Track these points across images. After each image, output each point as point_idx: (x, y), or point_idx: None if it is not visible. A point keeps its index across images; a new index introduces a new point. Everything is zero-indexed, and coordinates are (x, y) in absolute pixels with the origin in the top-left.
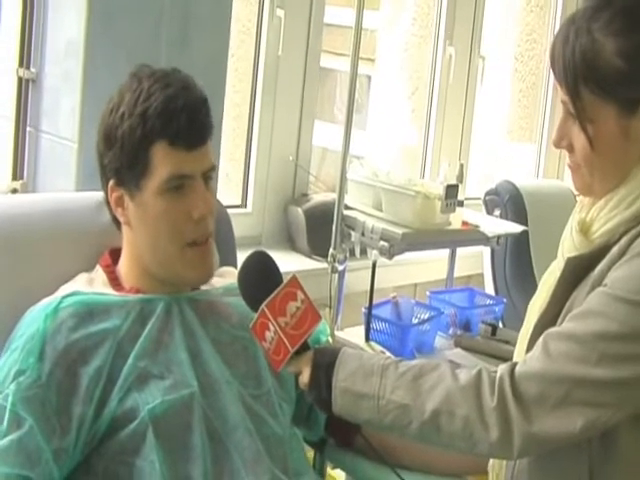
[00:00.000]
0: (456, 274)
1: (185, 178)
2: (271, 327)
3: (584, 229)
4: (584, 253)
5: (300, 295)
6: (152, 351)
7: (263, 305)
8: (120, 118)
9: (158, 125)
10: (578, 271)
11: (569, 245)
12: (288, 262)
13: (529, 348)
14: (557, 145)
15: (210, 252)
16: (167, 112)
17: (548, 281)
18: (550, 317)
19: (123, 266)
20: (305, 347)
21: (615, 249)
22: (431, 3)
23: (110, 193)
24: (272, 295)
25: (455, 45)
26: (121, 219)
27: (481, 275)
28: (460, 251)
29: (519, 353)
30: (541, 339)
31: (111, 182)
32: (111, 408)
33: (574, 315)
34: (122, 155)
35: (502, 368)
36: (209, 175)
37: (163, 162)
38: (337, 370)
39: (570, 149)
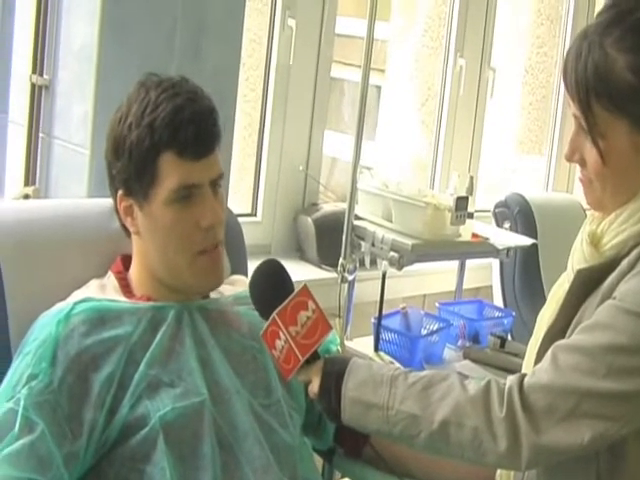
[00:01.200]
0: (465, 286)
1: (193, 187)
2: (282, 336)
3: (594, 241)
4: (594, 265)
5: (311, 305)
6: (163, 359)
7: (274, 313)
8: (128, 128)
9: (165, 136)
10: (588, 283)
11: (579, 257)
12: (297, 272)
13: (538, 360)
14: (569, 159)
15: (220, 259)
16: (174, 123)
17: (557, 293)
18: (559, 329)
19: (134, 273)
20: (315, 356)
21: (625, 262)
22: (442, 15)
23: (119, 202)
24: (283, 304)
25: (466, 57)
26: (131, 229)
27: (490, 287)
28: (469, 263)
29: (528, 364)
30: (550, 351)
31: (120, 192)
32: (122, 415)
33: (583, 327)
34: (130, 166)
35: (511, 379)
36: (217, 183)
37: (171, 172)
38: (347, 380)
39: (582, 163)
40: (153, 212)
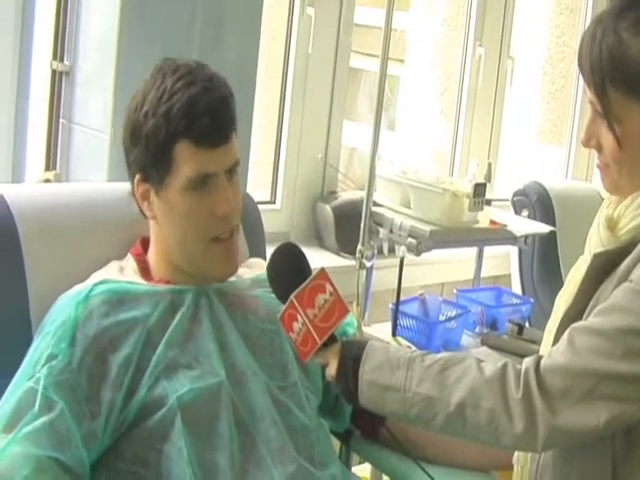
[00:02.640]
0: (483, 274)
1: (209, 176)
2: (299, 318)
3: (611, 225)
4: (610, 249)
5: (329, 288)
6: (181, 341)
7: (292, 296)
8: (144, 116)
9: (181, 126)
10: (604, 267)
11: (596, 241)
12: (316, 259)
13: (555, 342)
14: (585, 145)
15: (235, 246)
16: (190, 114)
17: (575, 276)
18: (576, 312)
19: (151, 257)
20: (332, 339)
21: None
22: (461, 4)
23: (137, 187)
24: (301, 287)
25: (485, 46)
26: (147, 213)
27: (508, 276)
28: (488, 251)
29: (545, 347)
30: (567, 333)
31: (137, 177)
32: (140, 395)
33: (600, 310)
34: (147, 153)
35: (527, 361)
36: (234, 170)
37: (187, 161)
38: (364, 362)
39: (599, 148)
40: (169, 198)
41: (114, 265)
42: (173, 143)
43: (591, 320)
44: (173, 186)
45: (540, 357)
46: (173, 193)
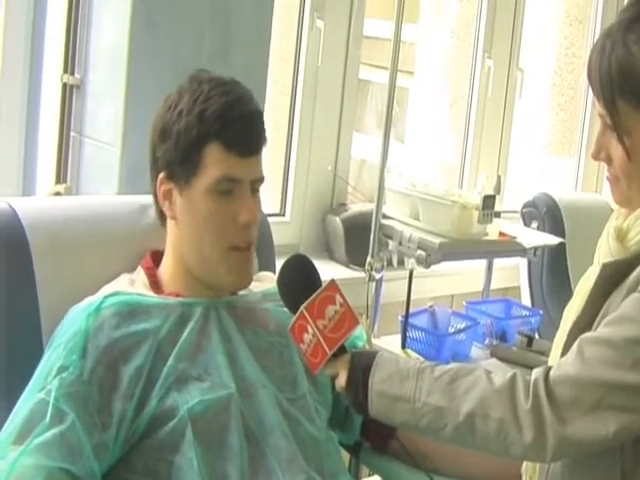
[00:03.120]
0: (493, 286)
1: (235, 183)
2: (309, 329)
3: (620, 236)
4: (620, 259)
5: (339, 299)
6: (191, 354)
7: (302, 307)
8: (178, 115)
9: (215, 127)
10: (613, 277)
11: (605, 251)
12: (326, 271)
13: (564, 353)
14: (595, 157)
15: (251, 259)
16: (225, 116)
17: (584, 287)
18: (585, 322)
19: (164, 267)
20: (342, 350)
21: None
22: (470, 15)
23: (159, 186)
24: (311, 298)
25: (494, 57)
26: (167, 213)
27: (518, 288)
28: (497, 263)
29: (554, 358)
30: (576, 344)
31: (161, 175)
32: (151, 407)
33: (609, 320)
34: (176, 149)
35: (536, 372)
36: (257, 186)
37: (215, 163)
38: (373, 373)
39: (608, 161)
40: (193, 199)
41: (125, 278)
42: (204, 144)
43: (600, 330)
44: (198, 186)
45: (549, 368)
46: (198, 193)
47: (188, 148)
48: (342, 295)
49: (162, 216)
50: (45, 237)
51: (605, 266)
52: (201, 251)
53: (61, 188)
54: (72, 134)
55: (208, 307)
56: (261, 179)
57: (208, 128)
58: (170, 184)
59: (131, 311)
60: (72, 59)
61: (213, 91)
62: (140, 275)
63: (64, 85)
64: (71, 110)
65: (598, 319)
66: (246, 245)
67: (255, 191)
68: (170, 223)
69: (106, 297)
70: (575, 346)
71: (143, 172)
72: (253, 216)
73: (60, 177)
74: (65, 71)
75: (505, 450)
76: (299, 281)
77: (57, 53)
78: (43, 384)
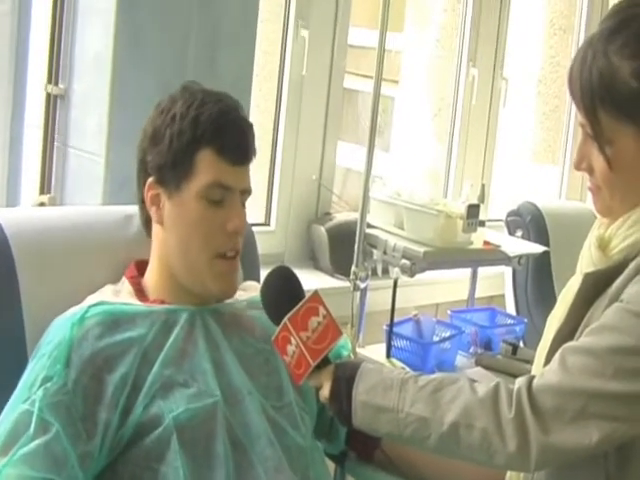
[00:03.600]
0: (478, 295)
1: (225, 190)
2: (293, 341)
3: (602, 245)
4: (602, 269)
5: (322, 310)
6: (177, 360)
7: (285, 319)
8: (171, 119)
9: (209, 133)
10: (596, 286)
11: (587, 261)
12: (310, 280)
13: (547, 362)
14: (577, 167)
15: (236, 268)
16: (219, 122)
17: (566, 296)
18: (568, 331)
19: (149, 274)
20: (326, 361)
21: (632, 265)
22: (454, 25)
23: (147, 191)
24: (294, 309)
25: (478, 66)
26: (154, 217)
27: (503, 296)
28: (482, 272)
29: (537, 367)
30: (558, 353)
31: (150, 179)
32: (136, 415)
33: (591, 330)
34: (168, 153)
35: (519, 381)
36: (245, 198)
37: (207, 169)
38: (357, 383)
39: (590, 171)
40: (182, 203)
41: (109, 288)
42: (197, 149)
43: (583, 340)
44: (189, 191)
45: (532, 377)
46: (187, 199)
47: (180, 152)
48: (325, 306)
49: (147, 224)
50: (29, 247)
51: (587, 275)
52: (187, 257)
53: (45, 198)
54: (56, 144)
55: (194, 313)
56: (249, 191)
57: (202, 133)
58: (159, 189)
59: (115, 320)
60: (56, 69)
61: (207, 98)
62: (125, 285)
63: (48, 95)
64: (55, 120)
65: (580, 328)
66: (233, 253)
67: (244, 200)
68: (156, 228)
69: (90, 307)
70: (558, 355)
71: (128, 182)
72: (242, 224)
73: (44, 187)
74: (49, 81)
75: (489, 459)
76: (282, 293)
77: (41, 63)
78: (27, 394)
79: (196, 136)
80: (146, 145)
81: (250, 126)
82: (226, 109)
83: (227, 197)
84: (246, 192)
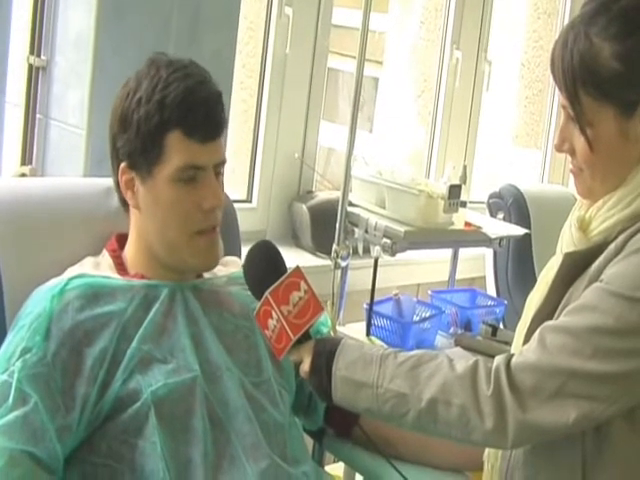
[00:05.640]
0: (459, 276)
1: (198, 169)
2: (274, 315)
3: (583, 226)
4: (582, 249)
5: (303, 285)
6: (156, 336)
7: (267, 293)
8: (137, 103)
9: (175, 115)
10: (575, 267)
11: (568, 241)
12: (292, 258)
13: (526, 341)
14: (558, 149)
15: (217, 241)
16: (185, 103)
17: (546, 276)
18: (547, 311)
19: (129, 250)
20: (307, 337)
21: (612, 246)
22: (439, 7)
23: (120, 175)
24: (276, 284)
25: (462, 49)
26: (130, 202)
27: (483, 278)
28: (463, 253)
29: (516, 346)
30: (538, 332)
31: (122, 164)
32: (114, 389)
33: (570, 309)
34: (136, 139)
35: (498, 359)
36: (220, 169)
37: (177, 151)
38: (337, 359)
39: (571, 152)
40: (156, 188)
41: (89, 261)
42: (165, 132)
43: (562, 319)
44: (161, 175)
45: (511, 355)
46: (160, 183)
47: (149, 137)
48: (307, 282)
49: (125, 203)
50: (9, 218)
51: (567, 256)
52: (166, 238)
53: (26, 170)
54: (38, 116)
55: (174, 289)
56: (223, 162)
57: (169, 116)
58: (132, 173)
59: (95, 294)
60: (38, 41)
61: (172, 76)
62: (105, 258)
63: (30, 67)
64: (37, 92)
65: (560, 308)
66: (211, 228)
67: (218, 174)
68: (133, 211)
69: (70, 279)
70: (537, 334)
71: (109, 155)
72: (218, 200)
73: (25, 159)
74: (31, 53)
75: (467, 436)
76: (264, 267)
77: (23, 34)
78: (6, 366)
79: (163, 120)
80: (115, 130)
81: (218, 97)
82: (192, 86)
83: (200, 175)
84: (220, 164)
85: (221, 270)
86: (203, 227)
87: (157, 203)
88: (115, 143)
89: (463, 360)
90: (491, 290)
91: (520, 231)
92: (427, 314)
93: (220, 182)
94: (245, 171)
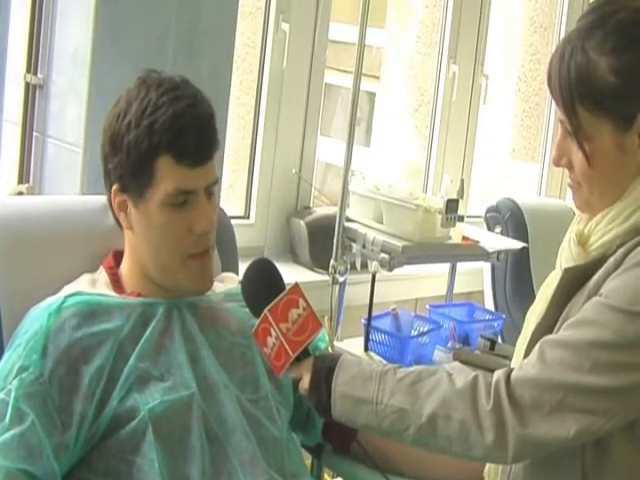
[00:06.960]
0: (457, 290)
1: (188, 194)
2: (273, 333)
3: (582, 241)
4: (581, 264)
5: (302, 303)
6: (153, 353)
7: (266, 310)
8: (127, 127)
9: (165, 140)
10: (575, 281)
11: (567, 256)
12: (290, 274)
13: (526, 356)
14: (556, 163)
15: (210, 263)
16: (174, 128)
17: (546, 291)
18: (547, 326)
19: (125, 268)
20: (306, 353)
21: (611, 260)
22: (435, 21)
23: (113, 197)
24: (275, 301)
25: (459, 63)
26: (123, 224)
27: (481, 292)
28: (461, 267)
29: (516, 361)
30: (537, 346)
31: (115, 186)
32: (112, 407)
33: (570, 324)
34: (127, 163)
35: (498, 373)
36: (211, 189)
37: (167, 176)
38: (337, 375)
39: (569, 167)
40: (148, 211)
41: (86, 278)
42: (155, 157)
43: (561, 333)
44: (152, 200)
45: (511, 369)
46: (152, 207)
47: (139, 162)
48: (305, 299)
49: (119, 223)
50: (6, 236)
51: (567, 271)
52: (159, 260)
53: (23, 188)
54: (35, 134)
55: (170, 307)
56: (215, 182)
57: (158, 141)
58: (124, 196)
59: (92, 311)
60: (35, 59)
61: (161, 100)
62: (102, 275)
63: (27, 85)
64: (34, 110)
65: (559, 322)
66: (204, 251)
67: (211, 194)
68: (127, 232)
69: (67, 297)
70: (537, 348)
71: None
72: (210, 224)
73: (22, 177)
74: (28, 71)
75: (467, 451)
76: (263, 285)
77: (20, 53)
78: (3, 384)
79: (152, 145)
80: (107, 152)
81: (209, 119)
82: (180, 111)
83: (191, 199)
84: (212, 184)
85: (218, 286)
86: (195, 251)
87: (149, 226)
88: (107, 164)
89: (463, 375)
90: (489, 304)
91: (518, 245)
92: (425, 329)
93: (213, 202)
94: (242, 187)
